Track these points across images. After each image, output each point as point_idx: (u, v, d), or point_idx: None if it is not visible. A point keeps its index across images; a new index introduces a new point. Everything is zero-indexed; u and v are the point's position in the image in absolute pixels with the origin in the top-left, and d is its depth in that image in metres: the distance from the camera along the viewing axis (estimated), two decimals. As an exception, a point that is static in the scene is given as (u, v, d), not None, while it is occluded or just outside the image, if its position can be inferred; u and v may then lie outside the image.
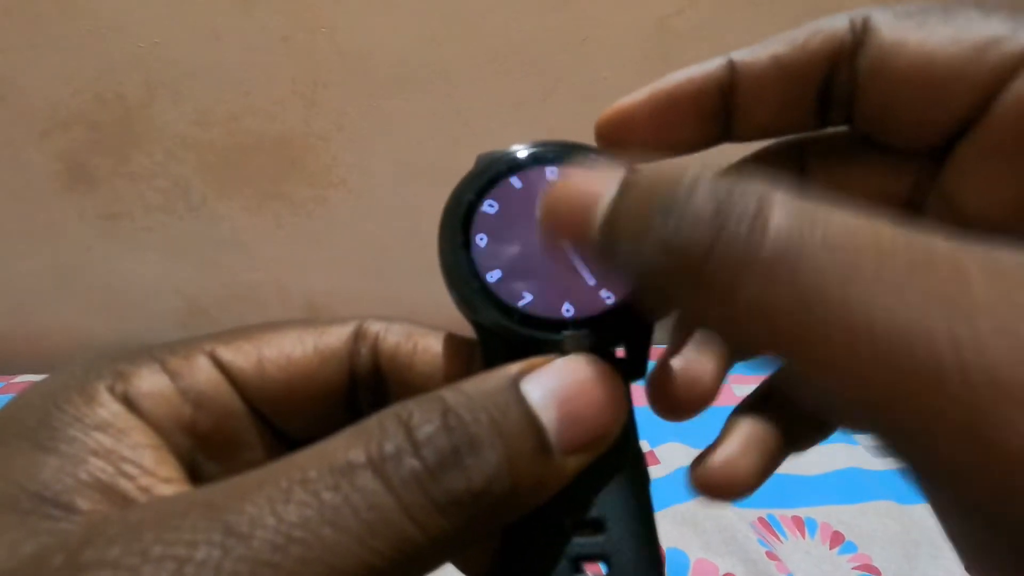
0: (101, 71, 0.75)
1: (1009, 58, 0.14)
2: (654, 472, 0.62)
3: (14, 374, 0.87)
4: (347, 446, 0.12)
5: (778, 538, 0.56)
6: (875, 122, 0.17)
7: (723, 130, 0.18)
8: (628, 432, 0.16)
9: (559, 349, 0.15)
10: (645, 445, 0.66)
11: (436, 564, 0.13)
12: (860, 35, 0.16)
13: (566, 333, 0.16)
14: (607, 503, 0.16)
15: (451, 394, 0.13)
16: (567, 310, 0.16)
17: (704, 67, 0.17)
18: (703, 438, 0.74)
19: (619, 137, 0.18)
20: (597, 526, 0.16)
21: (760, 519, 0.57)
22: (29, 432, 0.13)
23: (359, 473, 0.12)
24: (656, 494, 0.58)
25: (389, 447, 0.12)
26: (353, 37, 0.75)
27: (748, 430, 0.19)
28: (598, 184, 0.13)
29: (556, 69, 0.78)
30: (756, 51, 0.17)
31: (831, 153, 0.18)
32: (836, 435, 0.75)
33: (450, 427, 0.12)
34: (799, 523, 0.57)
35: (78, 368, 0.15)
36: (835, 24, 0.16)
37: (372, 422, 0.13)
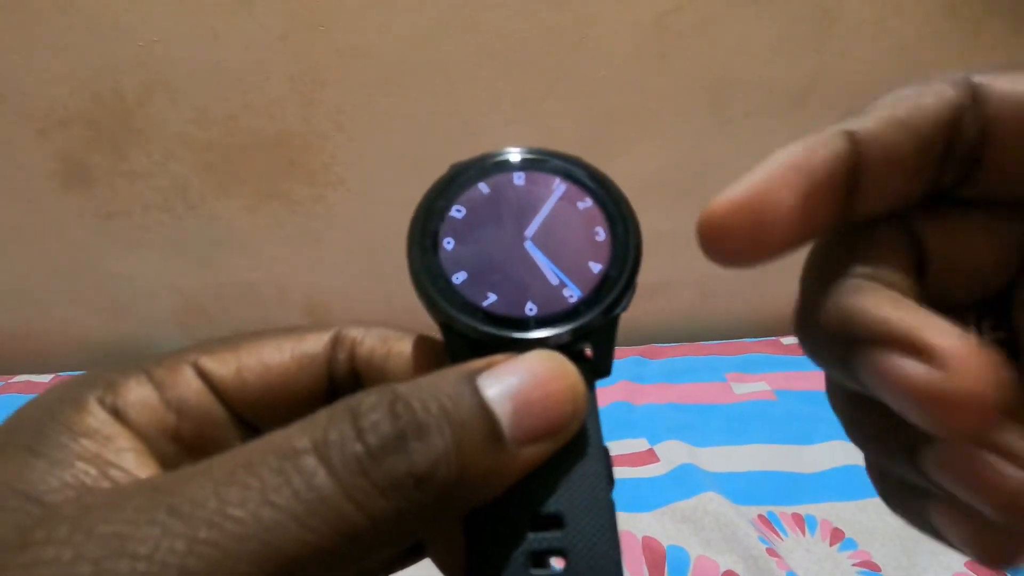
0: (99, 69, 0.75)
1: None
2: (654, 470, 0.62)
3: (12, 373, 0.87)
4: (294, 434, 0.13)
5: (778, 535, 0.56)
6: (1009, 172, 0.15)
7: (846, 210, 0.15)
8: (590, 428, 0.16)
9: (522, 348, 0.16)
10: (644, 443, 0.66)
11: (387, 548, 0.13)
12: (967, 90, 0.14)
13: (528, 331, 0.16)
14: (567, 499, 0.16)
15: (404, 386, 0.13)
16: (530, 309, 0.17)
17: (821, 139, 0.14)
18: (703, 437, 0.74)
19: (750, 231, 0.14)
20: (557, 522, 0.16)
21: (760, 516, 0.57)
22: (25, 440, 0.14)
23: (302, 458, 0.12)
24: (656, 492, 0.58)
25: (334, 434, 0.13)
26: (352, 35, 0.75)
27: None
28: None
29: (554, 67, 0.78)
30: (870, 119, 0.14)
31: (940, 218, 0.16)
32: (834, 432, 0.75)
33: (396, 414, 0.13)
34: (799, 520, 0.57)
35: (75, 381, 0.16)
36: (935, 86, 0.15)
37: (323, 412, 0.13)
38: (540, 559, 0.15)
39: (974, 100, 0.14)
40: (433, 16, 0.75)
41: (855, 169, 0.14)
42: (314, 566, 0.12)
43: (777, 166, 0.14)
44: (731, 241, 0.14)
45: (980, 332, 0.15)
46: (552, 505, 0.16)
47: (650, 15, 0.76)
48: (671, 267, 0.91)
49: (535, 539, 0.15)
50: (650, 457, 0.64)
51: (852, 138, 0.14)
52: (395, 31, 0.75)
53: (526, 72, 0.78)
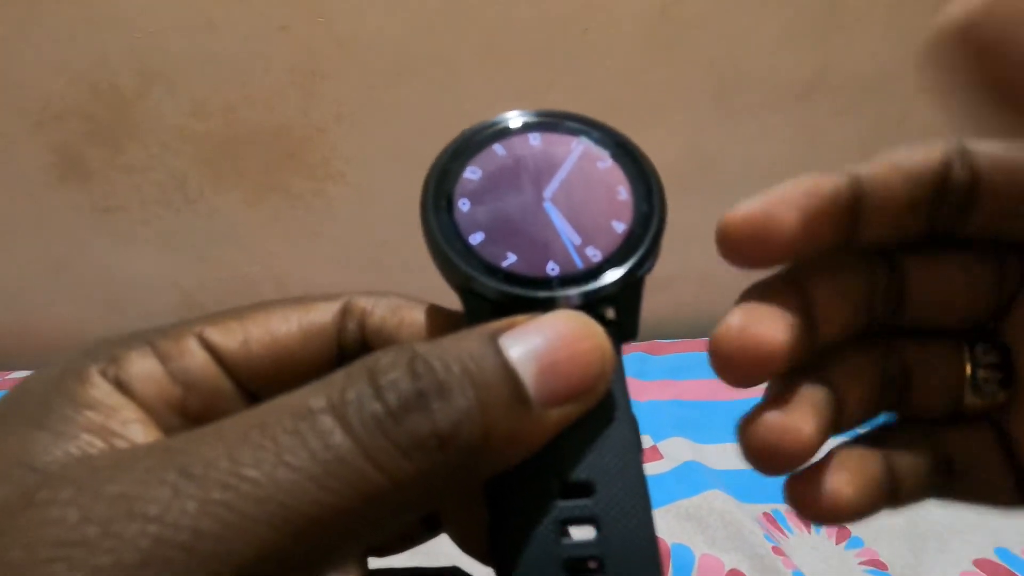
0: (95, 61, 0.74)
1: None
2: (658, 467, 0.62)
3: (9, 370, 0.86)
4: (309, 394, 0.12)
5: (784, 533, 0.55)
6: (998, 217, 0.17)
7: (848, 236, 0.17)
8: (618, 394, 0.16)
9: (545, 308, 0.15)
10: (648, 440, 0.66)
11: (409, 512, 0.13)
12: (957, 146, 0.16)
13: (550, 291, 0.16)
14: (596, 466, 0.15)
15: (423, 345, 0.13)
16: (552, 269, 0.16)
17: (829, 175, 0.17)
18: (706, 433, 0.74)
19: (757, 241, 0.16)
20: (586, 489, 0.15)
21: (765, 514, 0.57)
22: (28, 413, 0.13)
23: (318, 418, 0.12)
24: (661, 490, 0.57)
25: (351, 393, 0.12)
26: (351, 26, 0.74)
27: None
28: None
29: (557, 59, 0.77)
30: (870, 164, 0.17)
31: (927, 255, 0.18)
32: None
33: (417, 373, 0.12)
34: (804, 518, 0.57)
35: (77, 354, 0.15)
36: (929, 143, 0.17)
37: (339, 372, 0.13)
38: (568, 527, 0.15)
39: (962, 154, 0.16)
40: (435, 7, 0.74)
41: (855, 202, 0.16)
42: (334, 529, 0.11)
43: (788, 189, 0.16)
44: (743, 247, 0.16)
45: (973, 355, 0.17)
46: (581, 472, 0.15)
47: (655, 5, 0.75)
48: (675, 262, 0.90)
49: (564, 507, 0.15)
50: (653, 454, 0.64)
51: (854, 176, 0.16)
52: (396, 22, 0.74)
53: (529, 63, 0.77)
